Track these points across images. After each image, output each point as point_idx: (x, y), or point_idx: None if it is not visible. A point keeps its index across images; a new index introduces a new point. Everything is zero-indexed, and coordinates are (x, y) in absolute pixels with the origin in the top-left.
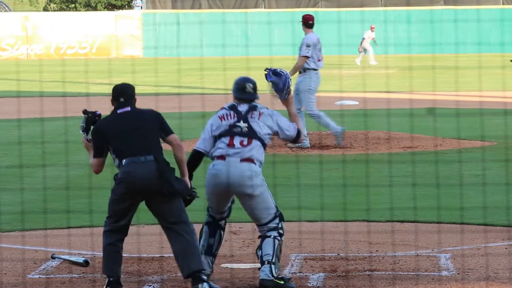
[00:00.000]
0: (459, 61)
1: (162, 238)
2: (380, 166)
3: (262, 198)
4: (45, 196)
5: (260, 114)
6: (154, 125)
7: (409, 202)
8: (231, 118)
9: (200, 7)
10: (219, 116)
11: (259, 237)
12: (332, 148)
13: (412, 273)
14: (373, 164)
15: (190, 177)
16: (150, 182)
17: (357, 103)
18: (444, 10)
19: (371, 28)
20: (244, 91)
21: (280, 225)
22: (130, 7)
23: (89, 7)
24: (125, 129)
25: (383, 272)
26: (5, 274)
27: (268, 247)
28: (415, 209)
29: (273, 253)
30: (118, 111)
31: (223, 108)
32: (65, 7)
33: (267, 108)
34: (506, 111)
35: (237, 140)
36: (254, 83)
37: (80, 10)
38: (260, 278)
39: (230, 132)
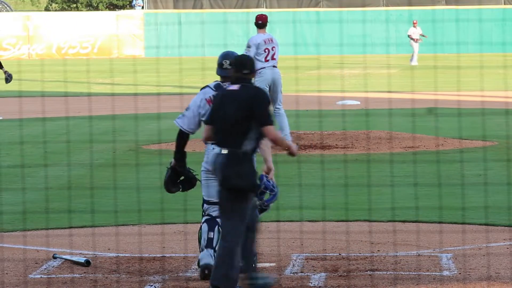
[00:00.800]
0: (460, 61)
1: (163, 238)
2: (382, 166)
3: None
4: (46, 196)
5: None
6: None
7: (410, 202)
8: None
9: (201, 7)
10: (206, 99)
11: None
12: (334, 148)
13: (413, 273)
14: (374, 164)
15: (182, 157)
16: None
17: (359, 103)
18: (446, 10)
19: (414, 24)
20: (221, 68)
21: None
22: (131, 7)
23: (90, 7)
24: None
25: (385, 272)
26: (7, 274)
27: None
28: (416, 209)
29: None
30: (229, 87)
31: (207, 86)
32: (66, 7)
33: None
34: (508, 110)
35: None
36: (232, 59)
37: (81, 10)
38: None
39: None
